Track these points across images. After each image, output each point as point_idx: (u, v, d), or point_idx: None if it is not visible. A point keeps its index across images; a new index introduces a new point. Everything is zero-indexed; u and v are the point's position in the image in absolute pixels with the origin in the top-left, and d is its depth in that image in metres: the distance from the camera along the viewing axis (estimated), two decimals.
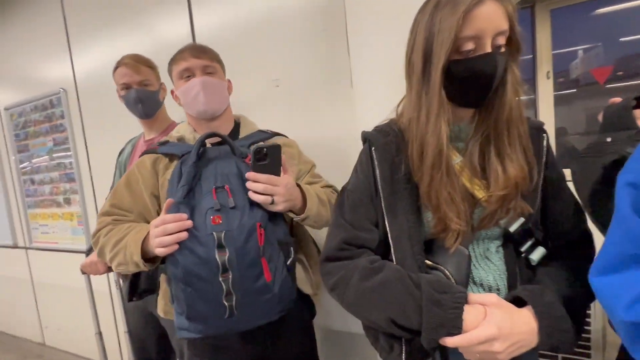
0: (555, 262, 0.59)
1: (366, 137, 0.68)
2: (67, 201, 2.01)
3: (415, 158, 0.58)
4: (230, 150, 0.80)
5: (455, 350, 0.52)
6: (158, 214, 0.83)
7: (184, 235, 0.68)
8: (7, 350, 2.54)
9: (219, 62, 0.92)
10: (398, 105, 0.67)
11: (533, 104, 1.30)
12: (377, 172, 0.62)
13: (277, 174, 0.74)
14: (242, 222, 0.70)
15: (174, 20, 1.45)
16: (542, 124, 0.63)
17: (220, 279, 0.68)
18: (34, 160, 2.11)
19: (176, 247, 0.68)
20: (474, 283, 0.60)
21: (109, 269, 1.16)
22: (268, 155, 0.73)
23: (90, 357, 2.12)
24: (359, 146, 0.68)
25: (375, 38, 0.92)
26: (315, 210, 0.80)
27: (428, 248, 0.61)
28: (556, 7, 1.22)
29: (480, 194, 0.58)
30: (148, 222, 0.81)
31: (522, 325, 0.49)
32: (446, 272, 0.59)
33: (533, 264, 0.60)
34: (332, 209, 0.69)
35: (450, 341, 0.49)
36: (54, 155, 2.00)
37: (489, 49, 0.52)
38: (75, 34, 1.78)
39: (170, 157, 0.83)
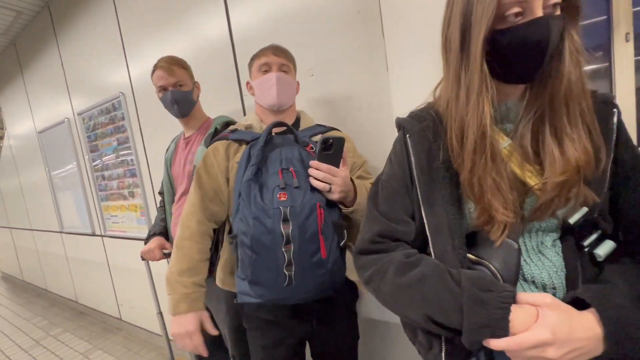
0: (627, 259, 0.50)
1: (400, 124, 0.64)
2: (132, 194, 2.23)
3: (455, 143, 0.53)
4: (294, 139, 0.90)
5: (501, 352, 0.48)
6: (228, 195, 0.95)
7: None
8: (92, 323, 2.96)
9: (294, 64, 1.03)
10: (436, 88, 0.61)
11: (608, 73, 1.12)
12: (412, 160, 0.59)
13: (337, 165, 0.81)
14: (304, 201, 0.79)
15: (212, 19, 1.49)
16: (611, 97, 0.53)
17: (283, 249, 0.76)
18: (103, 159, 2.37)
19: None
20: (525, 280, 0.54)
21: (166, 255, 1.27)
22: (332, 146, 0.81)
23: (158, 333, 2.38)
24: (395, 133, 0.64)
25: (410, 17, 0.85)
26: (364, 205, 0.83)
27: (471, 241, 0.57)
28: None
29: (532, 181, 0.51)
30: (222, 201, 0.94)
31: (583, 330, 0.43)
32: (492, 267, 0.54)
33: (599, 259, 0.52)
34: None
35: (495, 343, 0.45)
36: (119, 153, 2.23)
37: (540, 13, 0.45)
38: (129, 41, 1.94)
39: (240, 142, 0.94)
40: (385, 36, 0.90)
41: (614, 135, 0.51)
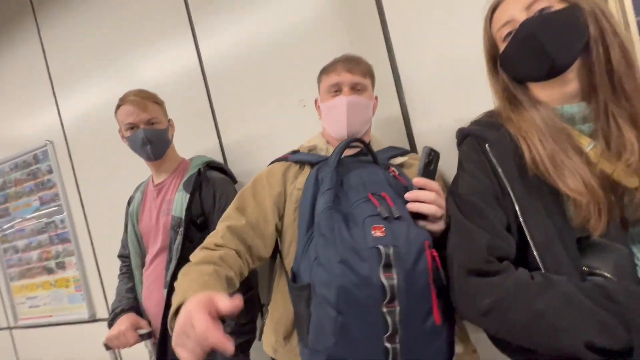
0: None
1: (469, 133, 0.61)
2: (61, 265, 1.76)
3: (524, 146, 0.54)
4: (373, 160, 0.74)
5: None
6: (276, 226, 0.76)
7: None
8: None
9: (372, 76, 0.85)
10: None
11: None
12: (500, 170, 0.55)
13: None
14: (409, 238, 0.56)
15: (179, 49, 1.36)
16: None
17: (384, 310, 0.53)
18: (17, 226, 1.86)
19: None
20: None
21: (142, 338, 0.98)
22: (433, 162, 0.63)
23: None
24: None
25: (423, 46, 0.87)
26: None
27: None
28: None
29: (631, 182, 0.50)
30: (263, 234, 0.74)
31: None
32: (607, 275, 0.49)
33: None
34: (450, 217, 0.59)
35: None
36: (42, 215, 1.78)
37: (521, 20, 0.53)
38: (60, 80, 1.64)
39: (302, 164, 0.79)
40: (399, 64, 0.90)
41: None
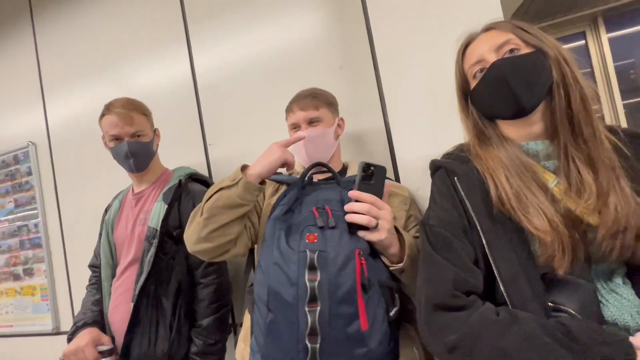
0: None
1: (442, 165, 0.62)
2: (29, 272, 1.68)
3: (491, 183, 0.55)
4: (336, 183, 0.78)
5: None
6: (251, 240, 0.81)
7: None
8: None
9: (328, 105, 0.91)
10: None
11: None
12: (468, 204, 0.56)
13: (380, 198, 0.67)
14: (339, 244, 0.62)
15: (172, 62, 1.37)
16: (638, 131, 0.59)
17: (307, 309, 0.58)
18: None
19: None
20: (606, 324, 0.51)
21: (102, 355, 0.92)
22: (375, 176, 0.67)
23: None
24: (405, 182, 0.63)
25: (408, 68, 0.90)
26: (411, 264, 0.67)
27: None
28: None
29: (593, 219, 0.51)
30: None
31: None
32: (573, 313, 0.50)
33: None
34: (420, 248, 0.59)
35: None
36: (15, 218, 1.71)
37: (492, 61, 0.57)
38: (50, 82, 1.63)
39: (278, 185, 0.86)
40: (384, 86, 0.93)
41: None
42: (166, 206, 0.99)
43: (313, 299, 0.58)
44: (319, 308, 0.58)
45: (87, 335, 0.93)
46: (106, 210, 1.15)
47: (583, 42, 2.42)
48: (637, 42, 2.45)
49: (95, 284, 1.08)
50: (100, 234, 1.11)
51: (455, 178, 0.58)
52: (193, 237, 0.71)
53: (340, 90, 1.10)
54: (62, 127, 1.61)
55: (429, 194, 0.64)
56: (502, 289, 0.51)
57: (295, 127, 0.90)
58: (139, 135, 1.02)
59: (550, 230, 0.48)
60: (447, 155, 0.64)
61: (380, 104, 1.05)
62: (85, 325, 0.96)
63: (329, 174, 0.84)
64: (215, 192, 0.71)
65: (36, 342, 1.62)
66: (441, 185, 0.60)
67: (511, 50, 0.56)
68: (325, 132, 0.88)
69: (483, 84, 0.58)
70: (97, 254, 1.11)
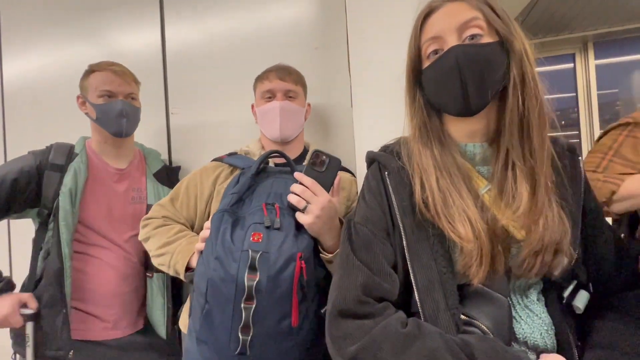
0: (608, 313, 0.50)
1: (374, 158, 0.57)
2: None
3: (417, 184, 0.50)
4: (291, 172, 0.76)
5: None
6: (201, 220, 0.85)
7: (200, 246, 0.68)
8: None
9: (303, 85, 0.93)
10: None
11: None
12: (394, 201, 0.52)
13: (327, 189, 0.68)
14: (282, 247, 0.62)
15: (142, 24, 1.29)
16: (574, 145, 0.56)
17: (242, 306, 0.60)
18: None
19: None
20: (517, 341, 0.49)
21: (27, 318, 0.88)
22: (325, 164, 0.68)
23: None
24: (361, 170, 0.59)
25: (378, 54, 0.86)
26: None
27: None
28: None
29: (519, 233, 0.48)
30: (192, 228, 0.85)
31: None
32: (484, 328, 0.47)
33: (578, 312, 0.51)
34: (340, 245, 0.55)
35: None
36: None
37: (452, 44, 0.49)
38: (8, 32, 1.51)
39: (233, 168, 0.84)
40: (352, 73, 0.89)
41: (582, 184, 0.53)
42: (163, 186, 1.08)
43: (249, 297, 0.60)
44: (254, 306, 0.60)
45: (8, 299, 0.88)
46: (59, 171, 0.97)
47: (571, 65, 2.43)
48: (624, 73, 2.48)
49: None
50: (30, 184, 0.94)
51: (386, 173, 0.54)
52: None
53: (312, 71, 1.07)
54: (18, 82, 1.50)
55: None
56: (416, 297, 0.48)
57: (269, 95, 0.88)
58: (132, 98, 1.01)
59: (473, 238, 0.45)
60: (385, 148, 0.59)
61: (350, 90, 1.01)
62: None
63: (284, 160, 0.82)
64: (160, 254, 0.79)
65: None
66: (372, 181, 0.56)
67: (472, 37, 0.48)
68: (300, 110, 0.90)
69: (434, 70, 0.51)
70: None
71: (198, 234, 0.80)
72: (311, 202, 0.65)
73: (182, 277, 0.75)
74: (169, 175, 1.13)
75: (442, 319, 0.46)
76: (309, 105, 0.96)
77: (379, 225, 0.51)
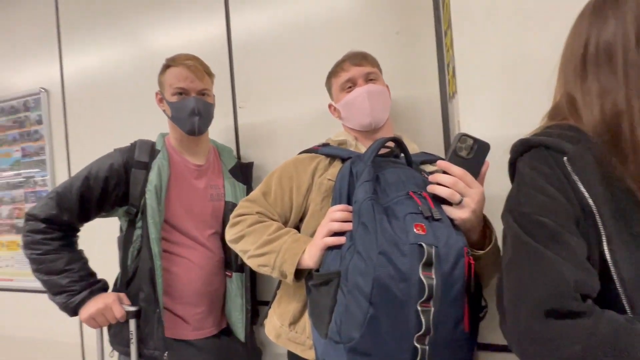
0: None
1: (540, 143, 0.51)
2: None
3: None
4: (406, 162, 0.71)
5: None
6: (301, 218, 0.80)
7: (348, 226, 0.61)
8: None
9: (379, 67, 0.89)
10: (551, 111, 0.54)
11: None
12: (582, 188, 0.46)
13: (475, 177, 0.59)
14: (449, 241, 0.53)
15: (206, 19, 1.25)
16: None
17: (419, 308, 0.51)
18: None
19: (343, 239, 0.61)
20: None
21: (129, 315, 0.88)
22: (473, 151, 0.58)
23: None
24: None
25: (486, 35, 0.79)
26: (496, 253, 0.62)
27: None
28: None
29: None
30: (286, 224, 0.79)
31: None
32: None
33: None
34: (508, 242, 0.50)
35: None
36: (22, 168, 1.63)
37: None
38: (68, 27, 1.51)
39: (332, 158, 0.80)
40: (456, 57, 0.82)
41: None
42: (240, 184, 1.05)
43: (428, 299, 0.52)
44: (432, 309, 0.52)
45: (111, 295, 0.90)
46: (144, 168, 0.93)
47: None
48: None
49: (66, 241, 0.95)
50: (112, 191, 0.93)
51: (565, 158, 0.48)
52: (238, 252, 0.78)
53: (393, 59, 1.01)
54: (78, 76, 1.50)
55: (493, 180, 0.56)
56: (621, 292, 0.42)
57: (350, 85, 0.84)
58: (205, 94, 0.98)
59: None
60: (545, 134, 0.53)
61: (438, 75, 0.95)
62: (100, 290, 0.89)
63: (387, 150, 0.76)
64: (263, 254, 0.72)
65: (37, 299, 1.56)
66: (541, 166, 0.50)
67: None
68: (385, 91, 0.85)
69: None
70: (65, 208, 0.92)
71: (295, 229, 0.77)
72: (466, 195, 0.57)
73: (289, 279, 0.68)
74: (242, 171, 1.10)
75: None
76: (387, 87, 0.90)
77: (565, 215, 0.45)
